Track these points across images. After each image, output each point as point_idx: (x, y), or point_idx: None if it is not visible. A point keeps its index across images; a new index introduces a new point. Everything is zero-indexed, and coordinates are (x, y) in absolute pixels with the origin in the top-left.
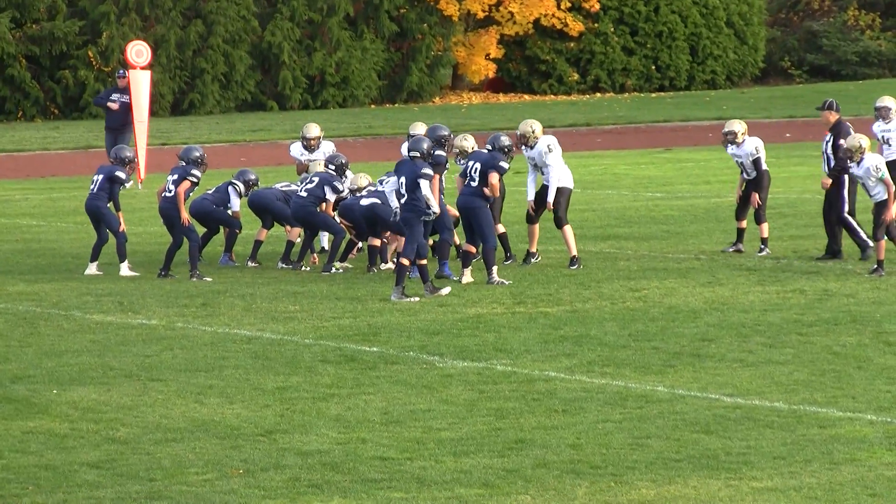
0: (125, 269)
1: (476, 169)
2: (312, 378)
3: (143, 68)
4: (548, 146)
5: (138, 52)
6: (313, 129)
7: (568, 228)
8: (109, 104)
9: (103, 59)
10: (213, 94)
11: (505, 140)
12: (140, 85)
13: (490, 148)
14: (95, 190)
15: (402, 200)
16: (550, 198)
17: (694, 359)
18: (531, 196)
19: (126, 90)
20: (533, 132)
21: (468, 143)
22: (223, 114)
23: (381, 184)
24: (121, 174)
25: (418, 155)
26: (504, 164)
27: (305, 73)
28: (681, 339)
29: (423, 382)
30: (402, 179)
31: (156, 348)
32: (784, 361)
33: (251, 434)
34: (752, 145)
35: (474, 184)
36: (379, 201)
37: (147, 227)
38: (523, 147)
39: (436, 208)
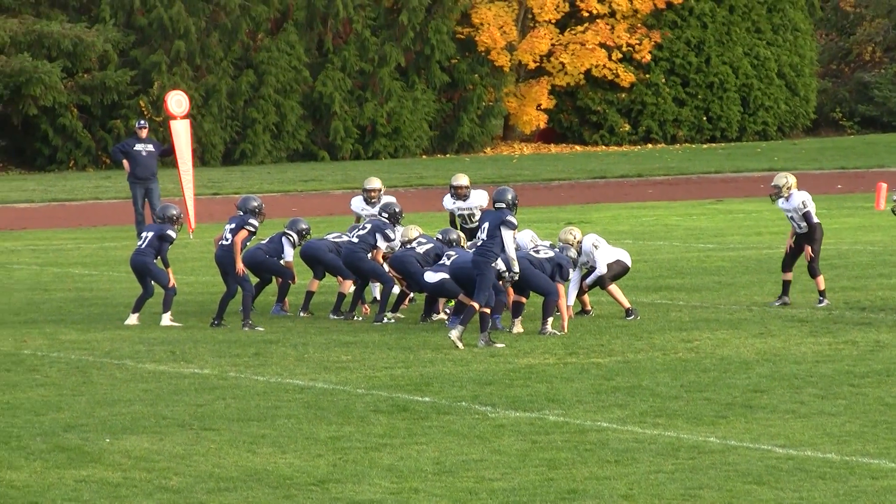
0: (166, 320)
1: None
2: (365, 428)
3: (182, 118)
4: (593, 244)
5: (178, 101)
6: (374, 182)
7: (613, 287)
8: (124, 163)
9: (154, 108)
10: (264, 143)
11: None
12: (181, 134)
13: (503, 204)
14: (144, 246)
15: (478, 245)
16: (589, 280)
17: (746, 410)
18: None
19: (148, 140)
20: (575, 238)
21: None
22: (274, 164)
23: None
24: (171, 233)
25: (503, 205)
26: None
27: (357, 123)
28: (733, 389)
29: (475, 432)
30: (486, 225)
31: (208, 397)
32: (836, 413)
33: (304, 484)
34: (800, 199)
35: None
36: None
37: (199, 277)
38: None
39: (512, 254)
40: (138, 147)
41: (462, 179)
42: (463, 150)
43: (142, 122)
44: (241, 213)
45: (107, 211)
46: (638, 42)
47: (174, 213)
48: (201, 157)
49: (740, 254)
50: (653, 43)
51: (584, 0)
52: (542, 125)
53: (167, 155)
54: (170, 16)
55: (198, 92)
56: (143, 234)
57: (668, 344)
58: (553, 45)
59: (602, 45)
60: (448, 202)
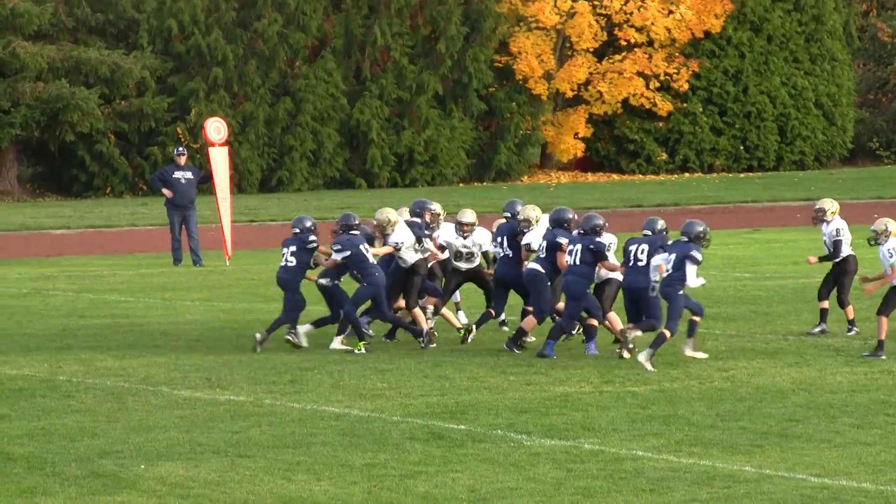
0: (337, 343)
1: (644, 250)
2: (400, 455)
3: (220, 145)
4: (609, 244)
5: (216, 128)
6: (468, 216)
7: (612, 315)
8: (164, 191)
9: (192, 135)
10: (301, 171)
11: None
12: (219, 161)
13: (650, 232)
14: (289, 263)
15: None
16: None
17: (781, 439)
18: None
19: (187, 167)
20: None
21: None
22: (311, 191)
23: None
24: (313, 240)
25: (687, 238)
26: (697, 255)
27: (394, 150)
28: (768, 419)
29: (510, 461)
30: (673, 256)
31: (243, 424)
32: (872, 442)
33: None
34: (834, 226)
35: (641, 264)
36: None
37: (235, 304)
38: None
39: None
40: (177, 174)
41: (468, 216)
42: (500, 178)
43: (180, 149)
44: (297, 231)
45: (143, 237)
46: (675, 71)
47: (308, 224)
48: (238, 185)
49: (777, 283)
50: (690, 72)
51: (622, 29)
52: (580, 154)
53: (205, 182)
54: (207, 43)
55: (235, 119)
56: (283, 251)
57: (703, 373)
58: (591, 73)
59: (640, 74)
60: (451, 236)
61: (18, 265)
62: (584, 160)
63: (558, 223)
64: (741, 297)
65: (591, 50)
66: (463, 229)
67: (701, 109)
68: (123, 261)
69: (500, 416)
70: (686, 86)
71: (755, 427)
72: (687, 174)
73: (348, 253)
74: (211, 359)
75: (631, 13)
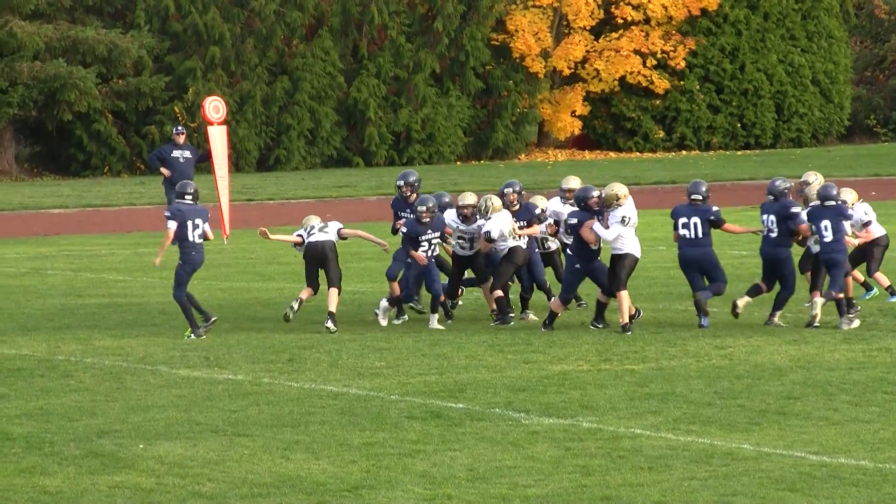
0: (434, 322)
1: (773, 221)
2: (398, 434)
3: (219, 123)
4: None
5: (215, 107)
6: (572, 181)
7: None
8: (163, 170)
9: (189, 114)
10: (298, 149)
11: (780, 182)
12: (217, 140)
13: (774, 197)
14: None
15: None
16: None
17: (779, 416)
18: None
19: (185, 147)
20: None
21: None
22: (309, 170)
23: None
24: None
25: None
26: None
27: (391, 129)
28: (766, 397)
29: (508, 439)
30: (827, 223)
31: (242, 403)
32: (870, 420)
33: (337, 490)
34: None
35: (774, 235)
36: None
37: (233, 283)
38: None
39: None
40: (175, 153)
41: (469, 198)
42: (497, 156)
43: (179, 128)
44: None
45: (141, 217)
46: (672, 49)
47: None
48: (236, 164)
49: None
50: (687, 50)
51: (618, 7)
52: (577, 132)
53: (203, 161)
54: (204, 22)
55: (232, 98)
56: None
57: (701, 351)
58: (588, 51)
59: (636, 52)
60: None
61: (16, 245)
62: (582, 138)
63: (583, 201)
64: (739, 274)
65: (588, 28)
66: (464, 213)
67: (698, 87)
68: (121, 240)
69: (499, 394)
70: (683, 63)
71: (753, 405)
72: (684, 152)
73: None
74: (209, 338)
75: None
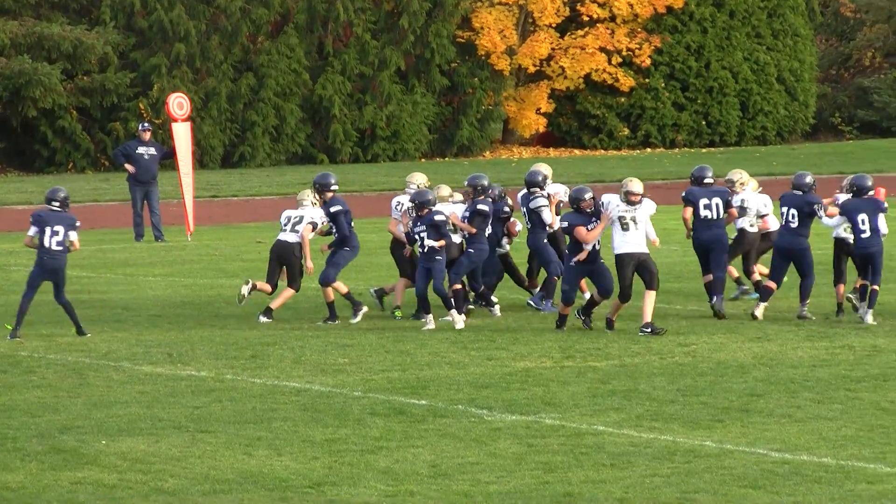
0: (459, 322)
1: (794, 214)
2: (361, 430)
3: (183, 120)
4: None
5: (179, 104)
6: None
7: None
8: (127, 166)
9: (154, 111)
10: (263, 146)
11: (809, 178)
12: (182, 137)
13: (801, 192)
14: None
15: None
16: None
17: (742, 414)
18: None
19: (150, 143)
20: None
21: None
22: (273, 167)
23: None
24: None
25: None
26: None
27: (356, 126)
28: (729, 394)
29: (471, 436)
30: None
31: (205, 400)
32: (832, 417)
33: (300, 486)
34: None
35: (794, 225)
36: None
37: (197, 279)
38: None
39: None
40: (140, 150)
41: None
42: (462, 153)
43: (145, 124)
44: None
45: (105, 213)
46: (638, 46)
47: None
48: (200, 160)
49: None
50: (653, 47)
51: (584, 4)
52: (542, 129)
53: (168, 157)
54: (170, 18)
55: (197, 95)
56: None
57: (665, 348)
58: (553, 49)
59: (602, 50)
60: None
61: None
62: (546, 135)
63: (575, 202)
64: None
65: (554, 25)
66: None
67: (663, 85)
68: (85, 236)
69: (461, 391)
70: (648, 61)
71: (716, 402)
72: (649, 149)
73: None
74: (172, 334)
75: None
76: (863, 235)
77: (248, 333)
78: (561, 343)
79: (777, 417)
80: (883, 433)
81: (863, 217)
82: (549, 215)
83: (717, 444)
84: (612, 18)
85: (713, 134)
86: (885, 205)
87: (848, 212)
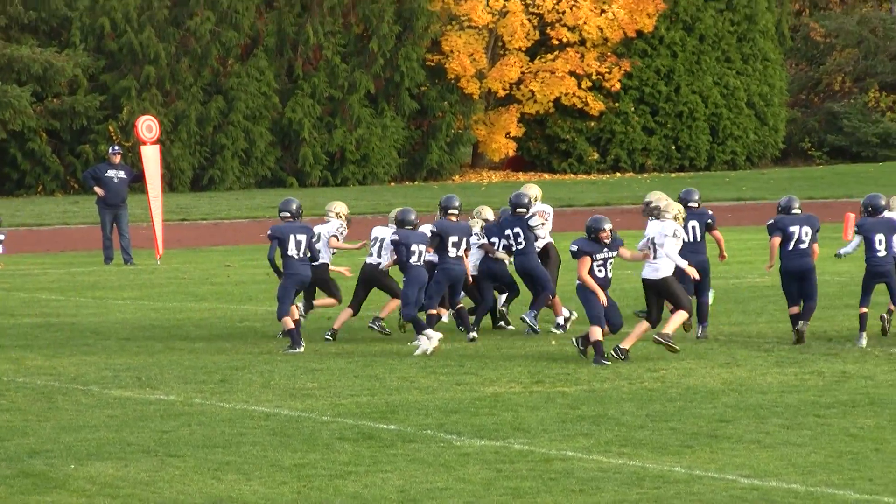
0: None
1: (807, 233)
2: (330, 455)
3: (152, 143)
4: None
5: (148, 127)
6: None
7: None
8: (96, 189)
9: (124, 133)
10: (233, 169)
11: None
12: (151, 160)
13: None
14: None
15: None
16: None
17: (711, 440)
18: None
19: (120, 166)
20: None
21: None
22: (243, 190)
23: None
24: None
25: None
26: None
27: (325, 149)
28: (698, 419)
29: (440, 461)
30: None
31: (173, 424)
32: (801, 443)
33: None
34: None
35: (803, 246)
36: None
37: (166, 303)
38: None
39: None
40: (110, 173)
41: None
42: (431, 177)
43: (115, 147)
44: (295, 220)
45: (75, 236)
46: (608, 71)
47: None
48: (170, 183)
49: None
50: (622, 72)
51: (554, 28)
52: (511, 153)
53: (138, 181)
54: (140, 41)
55: (167, 118)
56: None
57: (634, 373)
58: (523, 72)
59: (572, 74)
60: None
61: None
62: (516, 159)
63: (594, 232)
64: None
65: (524, 49)
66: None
67: (633, 109)
68: (54, 259)
69: (430, 416)
70: (618, 85)
71: (685, 427)
72: (618, 174)
73: None
74: (141, 358)
75: (563, 12)
76: (878, 255)
77: (216, 357)
78: (530, 368)
79: (746, 443)
80: (852, 459)
81: (879, 237)
82: (543, 231)
83: (685, 469)
84: (582, 42)
85: (683, 158)
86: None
87: (865, 231)
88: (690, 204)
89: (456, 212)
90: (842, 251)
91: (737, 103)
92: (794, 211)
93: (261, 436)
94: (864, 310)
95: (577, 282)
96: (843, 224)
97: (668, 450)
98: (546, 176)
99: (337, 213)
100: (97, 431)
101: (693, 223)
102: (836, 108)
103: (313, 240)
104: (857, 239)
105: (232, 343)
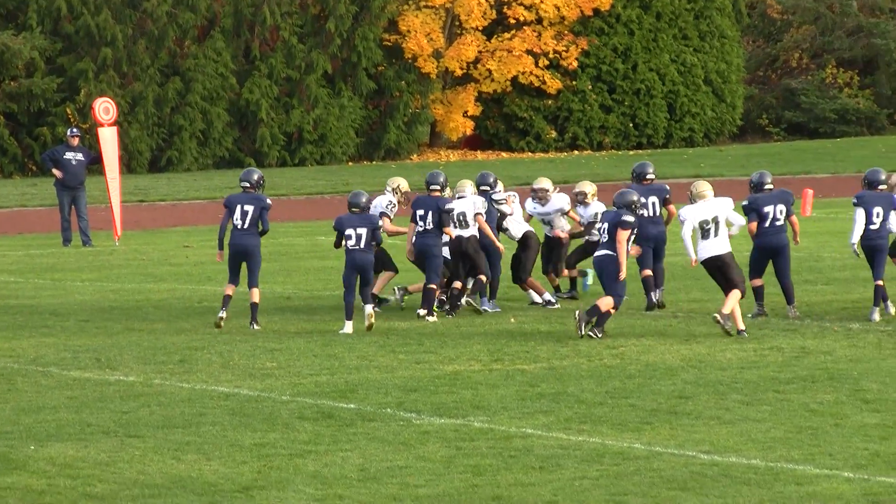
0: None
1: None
2: (290, 435)
3: (110, 125)
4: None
5: (105, 109)
6: (544, 182)
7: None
8: (54, 171)
9: (81, 116)
10: (190, 150)
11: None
12: (108, 141)
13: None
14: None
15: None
16: None
17: (671, 416)
18: None
19: (78, 149)
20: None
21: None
22: (201, 171)
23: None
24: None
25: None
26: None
27: (283, 130)
28: (658, 396)
29: (399, 439)
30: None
31: (133, 405)
32: (761, 419)
33: (228, 490)
34: (595, 210)
35: (779, 223)
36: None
37: (124, 284)
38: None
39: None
40: (68, 155)
41: (543, 182)
42: (389, 157)
43: (74, 130)
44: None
45: (33, 218)
46: (565, 49)
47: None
48: (127, 165)
49: (666, 260)
50: (580, 50)
51: (511, 7)
52: (469, 132)
53: (96, 163)
54: (97, 23)
55: (124, 99)
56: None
57: (593, 350)
58: (480, 52)
59: (529, 52)
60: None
61: None
62: (474, 138)
63: (625, 205)
64: (631, 274)
65: (481, 28)
66: (538, 196)
67: (590, 87)
68: (12, 241)
69: (390, 394)
70: (575, 63)
71: (645, 404)
72: (576, 152)
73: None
74: (100, 339)
75: None
76: (871, 228)
77: (175, 338)
78: (489, 346)
79: (706, 419)
80: (812, 434)
81: (878, 210)
82: (507, 207)
83: (645, 446)
84: (539, 21)
85: (640, 136)
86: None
87: (864, 204)
88: (648, 177)
89: (437, 188)
90: (853, 240)
91: (694, 80)
92: (766, 187)
93: (220, 416)
94: (880, 283)
95: (608, 252)
96: (801, 200)
97: (627, 426)
98: (504, 154)
99: (394, 189)
100: (57, 413)
101: (653, 199)
102: (793, 84)
103: (377, 231)
104: (859, 213)
105: (191, 323)
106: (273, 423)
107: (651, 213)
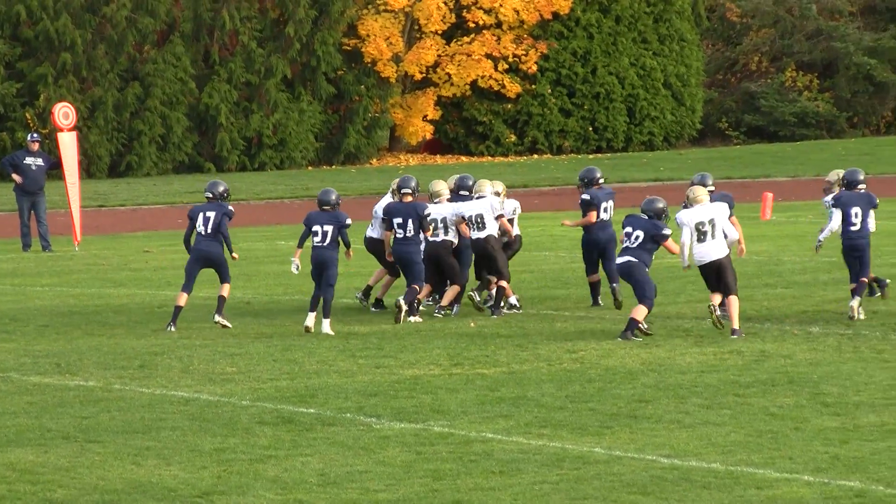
0: (326, 327)
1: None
2: (249, 440)
3: (69, 130)
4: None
5: (65, 113)
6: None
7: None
8: (14, 176)
9: (41, 120)
10: (150, 155)
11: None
12: (68, 147)
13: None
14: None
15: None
16: None
17: (631, 420)
18: None
19: (38, 154)
20: None
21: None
22: (160, 175)
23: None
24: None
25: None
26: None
27: (243, 134)
28: (618, 400)
29: (360, 444)
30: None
31: (93, 410)
32: (721, 423)
33: (188, 495)
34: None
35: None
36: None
37: (84, 289)
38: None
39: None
40: (28, 160)
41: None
42: (349, 161)
43: (34, 135)
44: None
45: None
46: (524, 53)
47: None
48: (87, 170)
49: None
50: (539, 54)
51: (470, 11)
52: (429, 136)
53: (55, 168)
54: (56, 28)
55: (84, 104)
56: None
57: (553, 355)
58: (439, 56)
59: (488, 56)
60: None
61: None
62: (433, 142)
63: (655, 214)
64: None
65: (440, 32)
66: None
67: (549, 91)
68: None
69: (350, 399)
70: (535, 67)
71: (605, 408)
72: (536, 156)
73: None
74: (60, 344)
75: None
76: (852, 228)
77: (135, 343)
78: (449, 350)
79: (666, 423)
80: (772, 438)
81: (856, 210)
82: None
83: (606, 450)
84: (499, 25)
85: (600, 140)
86: (877, 200)
87: (842, 205)
88: (599, 181)
89: (409, 191)
90: (822, 236)
91: (653, 84)
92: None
93: (180, 421)
94: (854, 285)
95: (631, 259)
96: (760, 204)
97: (587, 430)
98: (463, 158)
99: (393, 191)
100: (16, 418)
101: (609, 202)
102: (752, 87)
103: (344, 230)
104: (836, 214)
105: (151, 328)
106: (233, 428)
107: (607, 218)
